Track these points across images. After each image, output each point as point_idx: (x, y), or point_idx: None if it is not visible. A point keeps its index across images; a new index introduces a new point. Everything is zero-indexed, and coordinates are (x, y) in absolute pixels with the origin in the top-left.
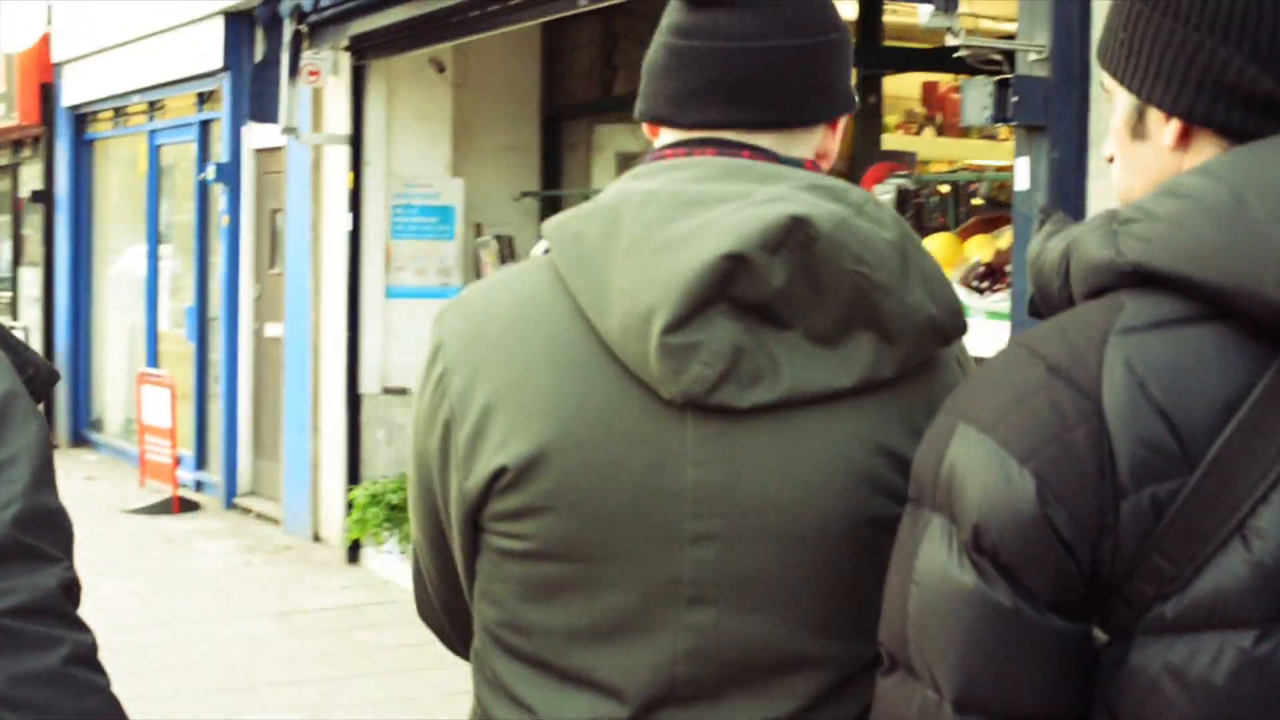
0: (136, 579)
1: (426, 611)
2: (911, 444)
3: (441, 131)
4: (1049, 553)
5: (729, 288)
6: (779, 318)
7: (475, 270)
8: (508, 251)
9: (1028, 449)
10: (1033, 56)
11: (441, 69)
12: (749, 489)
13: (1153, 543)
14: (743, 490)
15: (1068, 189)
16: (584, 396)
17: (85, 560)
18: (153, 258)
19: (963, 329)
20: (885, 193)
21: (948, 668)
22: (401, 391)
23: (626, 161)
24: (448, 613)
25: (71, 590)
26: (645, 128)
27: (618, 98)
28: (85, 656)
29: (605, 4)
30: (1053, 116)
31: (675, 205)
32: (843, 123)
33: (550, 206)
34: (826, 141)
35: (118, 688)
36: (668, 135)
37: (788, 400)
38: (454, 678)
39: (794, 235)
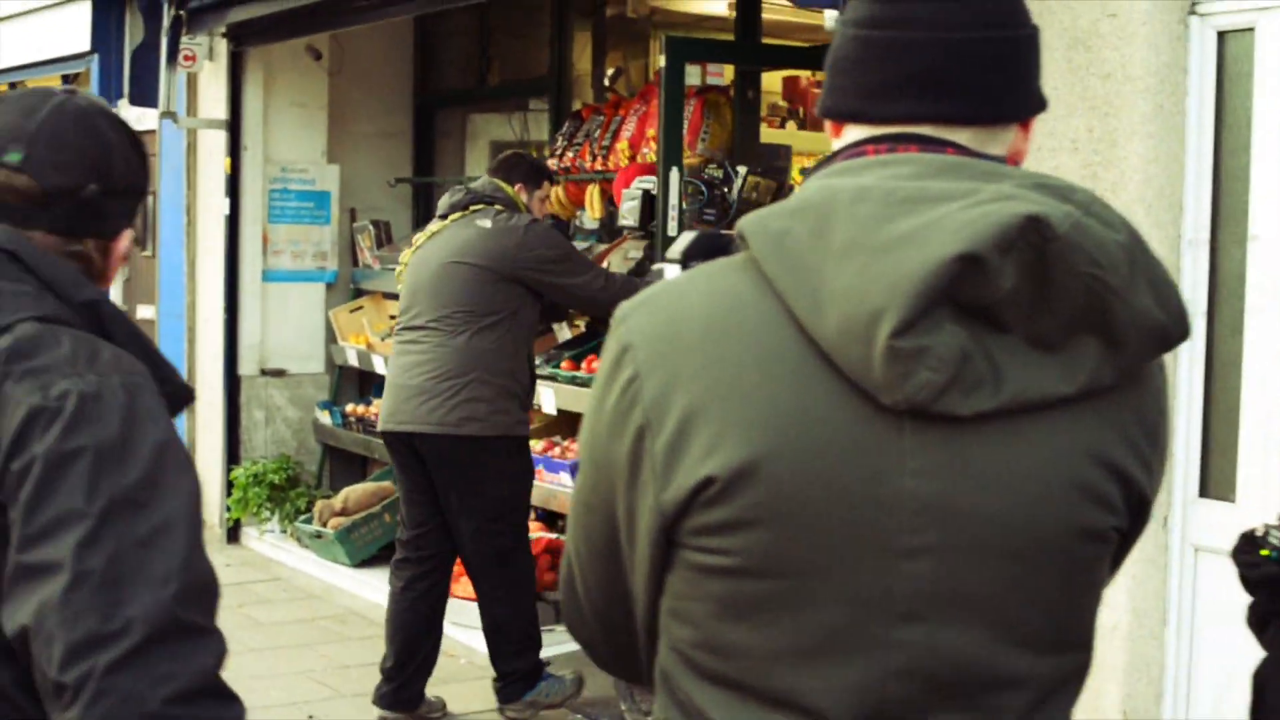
0: None
1: (576, 623)
2: (1126, 454)
3: (318, 118)
4: None
5: (957, 290)
6: (1000, 321)
7: (351, 255)
8: (385, 236)
9: None
10: None
11: (318, 56)
12: (966, 500)
13: None
14: (960, 501)
15: None
16: (797, 403)
17: None
18: None
19: (1187, 334)
20: (632, 198)
21: None
22: (280, 373)
23: (498, 149)
24: (605, 629)
25: (223, 659)
26: (828, 126)
27: (491, 87)
28: None
29: None
30: None
31: (893, 202)
32: (1033, 125)
33: (424, 192)
34: (1019, 142)
35: None
36: (856, 132)
37: (1008, 408)
38: (347, 651)
39: (1028, 236)
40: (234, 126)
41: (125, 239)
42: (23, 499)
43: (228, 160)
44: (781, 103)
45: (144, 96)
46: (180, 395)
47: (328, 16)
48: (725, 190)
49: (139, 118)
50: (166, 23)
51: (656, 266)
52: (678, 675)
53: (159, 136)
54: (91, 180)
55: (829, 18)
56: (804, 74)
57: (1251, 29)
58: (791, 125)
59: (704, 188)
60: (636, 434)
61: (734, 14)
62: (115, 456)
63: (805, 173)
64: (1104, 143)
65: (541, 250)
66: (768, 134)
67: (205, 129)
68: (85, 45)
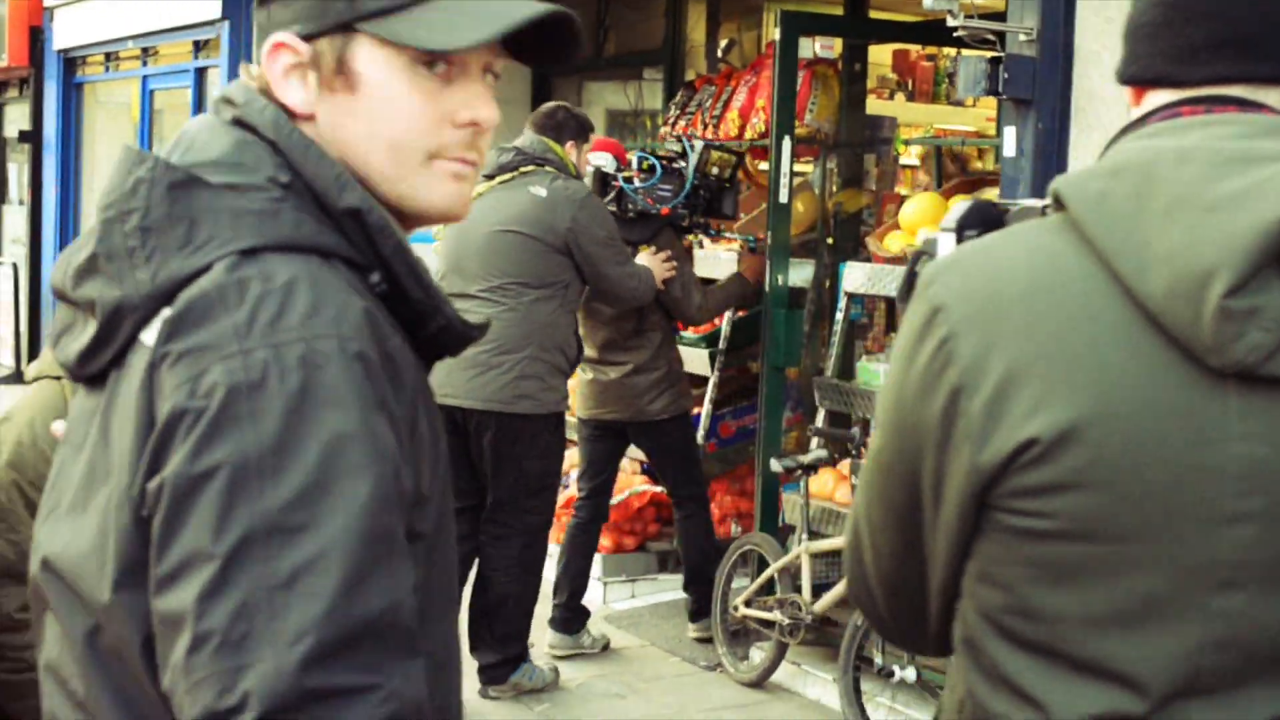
0: None
1: (860, 591)
2: None
3: None
4: None
5: None
6: None
7: None
8: None
9: None
10: (1022, 37)
11: None
12: None
13: None
14: None
15: (1050, 156)
16: (1121, 364)
17: None
18: None
19: None
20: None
21: None
22: None
23: (615, 117)
24: (892, 596)
25: (395, 712)
26: (1129, 92)
27: (608, 57)
28: None
29: None
30: (1039, 92)
31: (1219, 163)
32: None
33: None
34: None
35: None
36: (1162, 95)
37: None
38: None
39: None
40: None
41: (290, 44)
42: (155, 531)
43: None
44: (891, 75)
45: None
46: (452, 335)
47: None
48: (682, 165)
49: None
50: None
51: (930, 237)
52: (985, 641)
53: None
54: None
55: None
56: (914, 48)
57: None
58: (900, 97)
59: (657, 163)
60: (950, 395)
61: None
62: (262, 471)
63: (1124, 132)
64: None
65: (595, 230)
66: (874, 105)
67: None
68: (216, 13)
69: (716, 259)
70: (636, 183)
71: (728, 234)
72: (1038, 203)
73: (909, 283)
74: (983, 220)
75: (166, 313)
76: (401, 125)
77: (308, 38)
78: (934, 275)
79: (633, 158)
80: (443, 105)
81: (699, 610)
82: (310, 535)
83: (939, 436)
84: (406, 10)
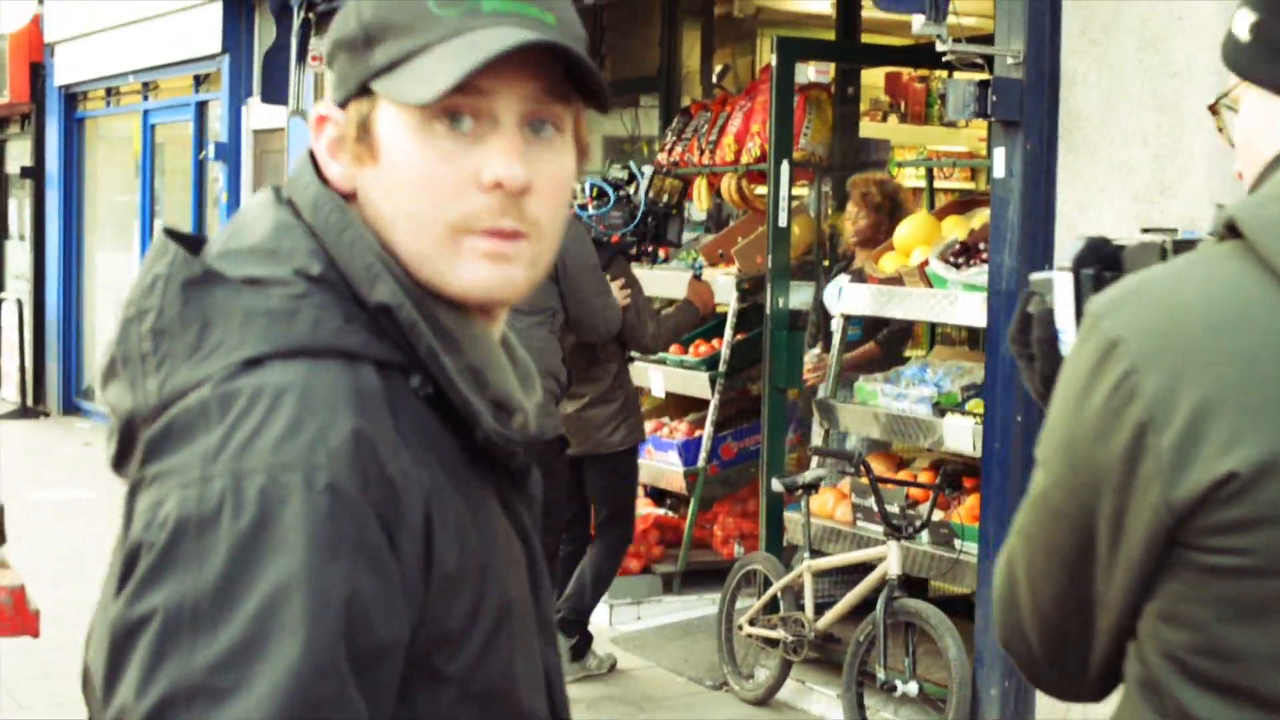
0: None
1: (1013, 637)
2: None
3: None
4: None
5: None
6: None
7: None
8: None
9: None
10: (1010, 60)
11: None
12: None
13: None
14: None
15: (1039, 176)
16: None
17: (107, 519)
18: (145, 232)
19: None
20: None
21: None
22: None
23: (612, 143)
24: (1050, 641)
25: None
26: (1248, 100)
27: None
28: None
29: None
30: (1027, 113)
31: None
32: None
33: None
34: None
35: None
36: None
37: None
38: None
39: None
40: None
41: (330, 117)
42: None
43: None
44: (884, 97)
45: (274, 95)
46: (494, 449)
47: None
48: (631, 192)
49: (269, 116)
50: (297, 24)
51: (1042, 277)
52: (1169, 682)
53: (287, 134)
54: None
55: (917, 22)
56: (905, 70)
57: None
58: (893, 119)
59: (609, 189)
60: (1135, 431)
61: (835, 12)
62: (196, 622)
63: None
64: (1171, 138)
65: (585, 257)
66: (868, 128)
67: None
68: (216, 47)
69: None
70: (590, 210)
71: (671, 260)
72: (1157, 237)
73: (1023, 324)
74: (1099, 257)
75: (150, 431)
76: (415, 193)
77: (342, 105)
78: (1104, 310)
79: (582, 184)
80: (465, 167)
81: (578, 650)
82: (236, 700)
83: (1122, 475)
84: (410, 61)
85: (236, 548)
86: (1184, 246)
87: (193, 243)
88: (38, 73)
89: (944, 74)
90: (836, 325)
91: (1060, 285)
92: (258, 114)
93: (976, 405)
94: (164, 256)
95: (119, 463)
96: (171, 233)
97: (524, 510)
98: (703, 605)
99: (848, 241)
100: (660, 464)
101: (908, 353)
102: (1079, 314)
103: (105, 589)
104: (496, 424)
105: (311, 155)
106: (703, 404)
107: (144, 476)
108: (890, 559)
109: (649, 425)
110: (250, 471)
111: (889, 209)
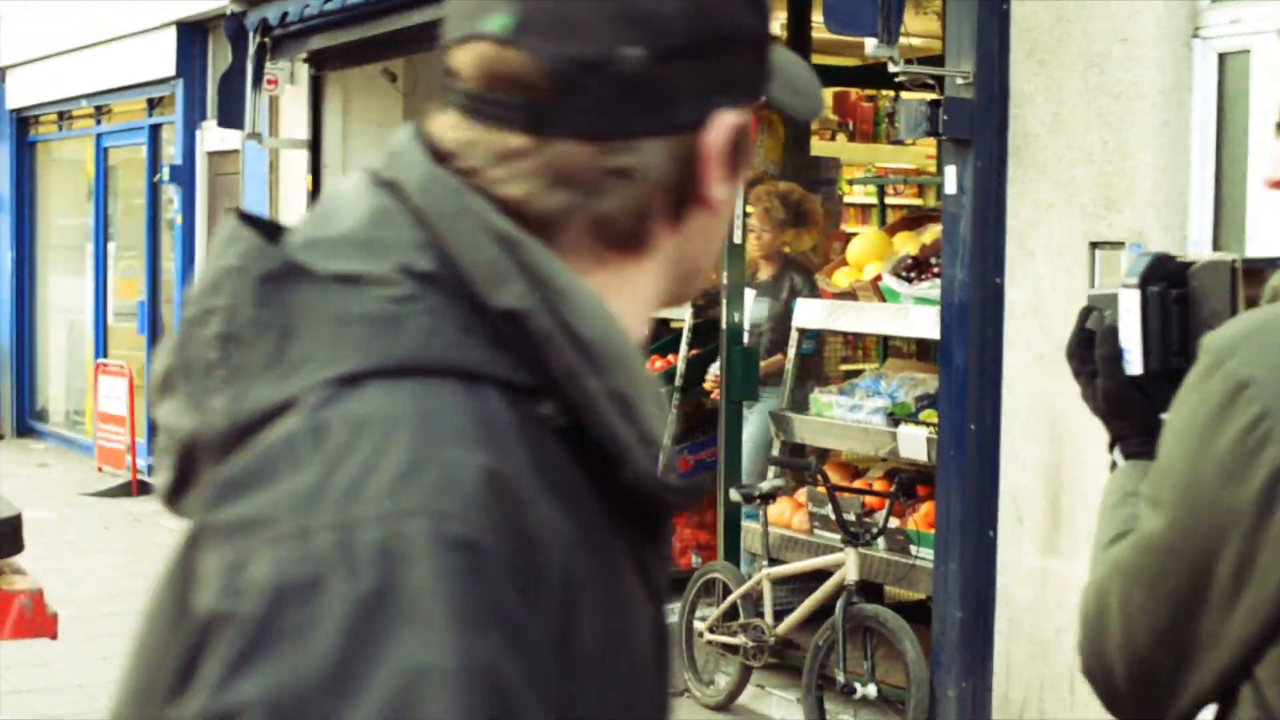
0: (115, 554)
1: (1095, 666)
2: None
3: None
4: None
5: None
6: None
7: None
8: None
9: None
10: (960, 81)
11: (393, 78)
12: None
13: None
14: None
15: (989, 193)
16: None
17: (66, 540)
18: (99, 255)
19: None
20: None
21: None
22: None
23: None
24: (1140, 677)
25: None
26: None
27: None
28: None
29: None
30: (977, 132)
31: None
32: None
33: None
34: None
35: (111, 646)
36: None
37: None
38: None
39: None
40: (315, 146)
41: (721, 126)
42: None
43: (309, 178)
44: (832, 116)
45: (230, 118)
46: (644, 496)
47: (404, 43)
48: None
49: (224, 139)
50: (252, 49)
51: (1104, 293)
52: None
53: (243, 156)
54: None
55: (870, 44)
56: (854, 90)
57: (1247, 51)
58: (841, 138)
59: None
60: (1271, 475)
61: (785, 33)
62: (305, 714)
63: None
64: (1116, 155)
65: None
66: (818, 146)
67: (288, 148)
68: (170, 70)
69: None
70: None
71: None
72: (1226, 256)
73: (1081, 340)
74: (1165, 274)
75: (221, 469)
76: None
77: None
78: (1228, 348)
79: None
80: None
81: None
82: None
83: (1254, 518)
84: None
85: (354, 621)
86: (1254, 265)
87: (270, 230)
88: None
89: (891, 93)
90: (793, 339)
91: (1126, 302)
92: (212, 137)
93: (930, 415)
94: (235, 245)
95: (174, 496)
96: (245, 215)
97: (659, 572)
98: None
99: (752, 255)
100: None
101: (861, 366)
102: (1145, 332)
103: (139, 674)
104: (648, 464)
105: (417, 131)
106: None
107: (212, 524)
108: (848, 565)
109: None
110: (362, 523)
111: (793, 221)
